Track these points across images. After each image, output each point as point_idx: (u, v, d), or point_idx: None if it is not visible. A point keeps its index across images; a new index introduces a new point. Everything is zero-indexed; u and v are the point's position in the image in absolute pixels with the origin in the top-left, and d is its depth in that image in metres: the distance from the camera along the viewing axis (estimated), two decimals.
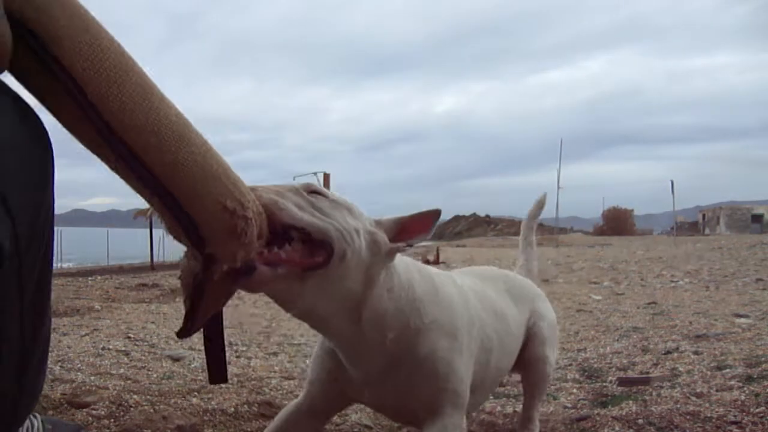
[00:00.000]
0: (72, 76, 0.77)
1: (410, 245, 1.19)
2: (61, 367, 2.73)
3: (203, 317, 1.01)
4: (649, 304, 5.20)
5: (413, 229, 1.21)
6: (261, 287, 1.02)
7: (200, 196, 0.88)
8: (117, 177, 0.90)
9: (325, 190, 1.15)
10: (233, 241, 0.92)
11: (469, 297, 1.42)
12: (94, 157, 0.89)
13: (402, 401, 1.27)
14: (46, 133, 0.85)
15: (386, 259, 1.17)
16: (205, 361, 1.20)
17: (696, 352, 2.99)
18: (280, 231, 1.02)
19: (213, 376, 1.20)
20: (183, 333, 1.01)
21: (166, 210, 0.88)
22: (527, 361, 1.69)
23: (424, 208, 1.24)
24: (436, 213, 1.21)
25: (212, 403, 2.17)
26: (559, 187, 24.29)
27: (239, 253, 0.93)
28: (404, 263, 1.27)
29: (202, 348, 1.20)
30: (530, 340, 1.69)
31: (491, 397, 2.34)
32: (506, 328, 1.54)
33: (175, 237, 0.93)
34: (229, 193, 0.91)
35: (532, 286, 1.84)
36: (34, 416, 1.18)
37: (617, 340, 3.52)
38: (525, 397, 1.78)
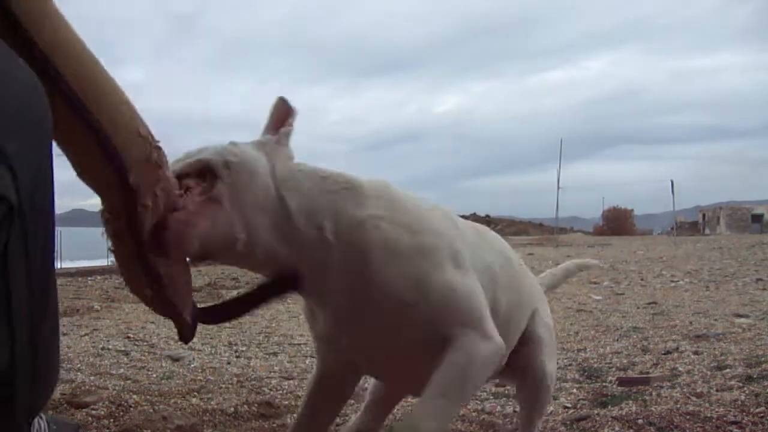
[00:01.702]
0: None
1: (289, 126, 1.19)
2: (60, 367, 2.73)
3: (183, 305, 0.99)
4: (649, 304, 5.20)
5: (280, 118, 1.21)
6: (190, 240, 0.97)
7: (119, 120, 0.88)
8: None
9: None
10: (151, 170, 0.91)
11: (456, 219, 1.29)
12: None
13: (392, 337, 1.13)
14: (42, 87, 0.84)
15: (283, 152, 1.16)
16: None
17: (696, 352, 2.99)
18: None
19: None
20: (186, 337, 1.00)
21: (92, 137, 0.86)
22: (524, 369, 1.52)
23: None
24: (283, 100, 1.22)
25: (212, 403, 2.17)
26: (559, 187, 24.29)
27: (158, 186, 0.92)
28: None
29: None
30: (528, 344, 1.52)
31: (491, 398, 2.33)
32: (518, 301, 1.38)
33: (93, 177, 0.91)
34: (141, 122, 0.92)
35: (532, 279, 1.69)
36: (41, 417, 1.16)
37: (617, 340, 3.52)
38: (521, 415, 1.60)
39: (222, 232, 1.01)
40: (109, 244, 0.98)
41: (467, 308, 1.12)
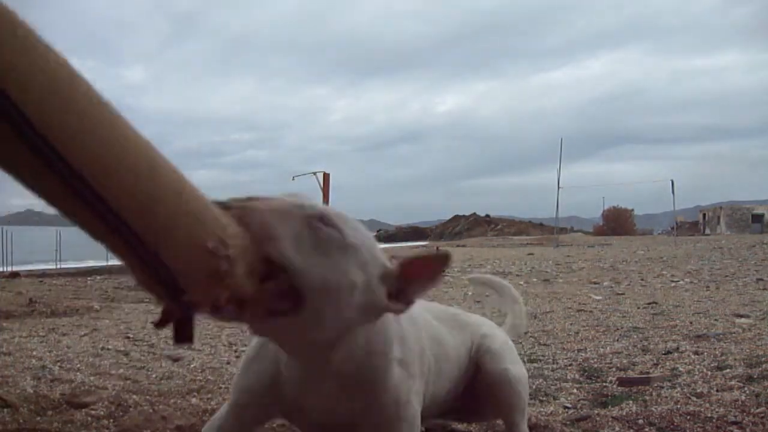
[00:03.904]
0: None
1: (410, 304, 1.04)
2: (60, 367, 2.73)
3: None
4: (649, 304, 5.19)
5: (417, 274, 1.03)
6: (222, 321, 0.96)
7: (176, 237, 0.74)
8: None
9: (342, 222, 0.98)
10: (215, 285, 0.79)
11: (419, 325, 1.37)
12: None
13: (350, 425, 1.20)
14: None
15: (373, 318, 1.05)
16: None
17: (696, 352, 2.99)
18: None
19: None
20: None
21: (135, 256, 0.73)
22: (487, 382, 1.59)
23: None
24: (445, 258, 1.02)
25: (212, 403, 2.17)
26: (559, 187, 24.26)
27: (223, 295, 0.80)
28: None
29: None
30: (482, 360, 1.60)
31: None
32: (444, 353, 1.48)
33: (147, 288, 0.79)
34: (210, 231, 0.77)
35: (469, 315, 1.76)
36: None
37: (617, 340, 3.52)
38: (505, 424, 1.65)
39: (251, 328, 1.03)
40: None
41: (416, 424, 1.24)
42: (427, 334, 1.42)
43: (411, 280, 1.02)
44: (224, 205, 0.85)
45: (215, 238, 0.77)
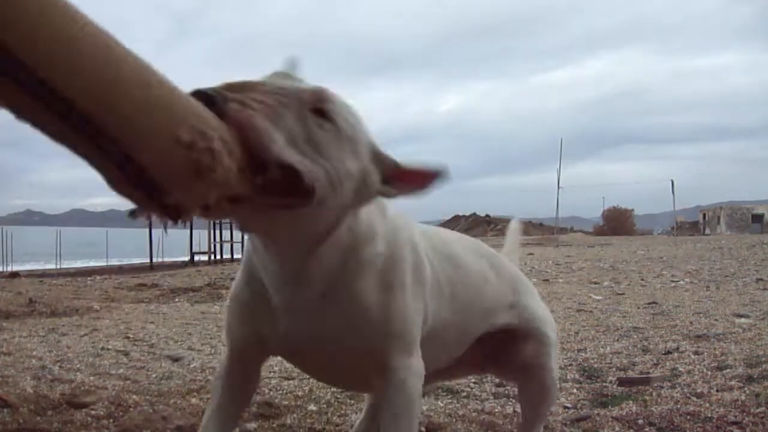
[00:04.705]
0: None
1: (398, 195, 1.07)
2: (60, 367, 2.73)
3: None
4: (649, 304, 5.19)
5: (410, 180, 1.06)
6: (220, 218, 0.90)
7: (147, 131, 0.68)
8: None
9: (337, 111, 0.96)
10: (199, 182, 0.72)
11: (416, 239, 1.30)
12: None
13: (337, 343, 1.15)
14: None
15: (368, 200, 1.06)
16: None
17: (696, 352, 2.99)
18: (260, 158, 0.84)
19: None
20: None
21: (107, 160, 0.68)
22: (526, 368, 1.53)
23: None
24: (440, 173, 1.05)
25: None
26: (559, 187, 24.28)
27: (211, 194, 0.75)
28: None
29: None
30: (529, 342, 1.52)
31: (491, 398, 2.33)
32: (465, 279, 1.39)
33: (129, 197, 0.73)
34: (183, 121, 0.71)
35: (513, 267, 1.65)
36: None
37: (617, 340, 3.52)
38: (523, 417, 1.61)
39: (245, 224, 0.97)
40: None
41: (408, 335, 1.18)
42: (439, 254, 1.35)
43: (404, 179, 1.06)
44: (209, 100, 0.79)
45: (191, 128, 0.71)
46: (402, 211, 1.27)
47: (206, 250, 17.99)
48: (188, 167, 0.71)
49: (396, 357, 1.16)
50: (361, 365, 1.20)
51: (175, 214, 0.74)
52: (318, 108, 0.93)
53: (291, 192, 0.88)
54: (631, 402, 2.18)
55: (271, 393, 2.35)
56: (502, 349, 1.55)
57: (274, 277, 1.11)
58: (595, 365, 2.86)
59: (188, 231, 17.51)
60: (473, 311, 1.43)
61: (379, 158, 1.04)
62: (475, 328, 1.47)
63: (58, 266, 18.16)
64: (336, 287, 1.11)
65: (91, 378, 2.50)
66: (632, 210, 52.17)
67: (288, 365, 2.96)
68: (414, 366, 1.18)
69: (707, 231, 46.37)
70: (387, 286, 1.15)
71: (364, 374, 1.22)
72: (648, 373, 2.64)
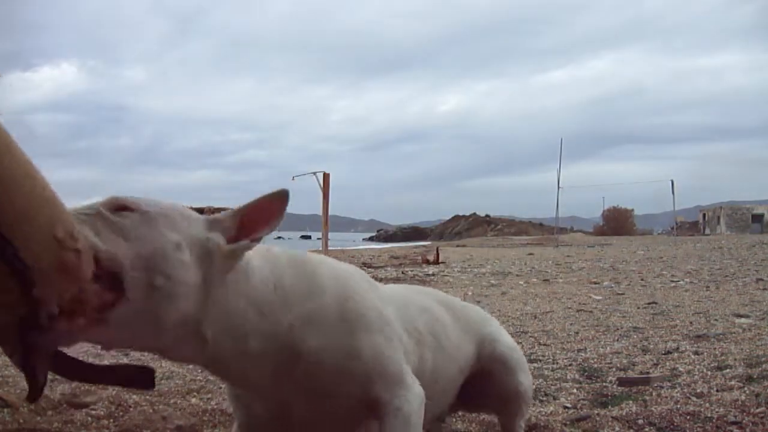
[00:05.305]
0: None
1: (256, 241, 1.00)
2: None
3: (42, 368, 0.86)
4: (649, 304, 5.19)
5: (258, 218, 1.01)
6: (66, 345, 0.87)
7: (28, 221, 0.72)
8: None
9: (135, 201, 0.95)
10: (65, 278, 0.76)
11: (381, 288, 1.30)
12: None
13: (327, 398, 1.13)
14: None
15: (226, 266, 0.99)
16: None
17: (696, 352, 2.99)
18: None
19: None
20: (34, 396, 0.87)
21: None
22: (502, 395, 1.58)
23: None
24: (283, 193, 1.01)
25: (212, 403, 2.17)
26: (559, 187, 24.27)
27: (70, 292, 0.78)
28: (265, 256, 1.10)
29: None
30: (494, 367, 1.57)
31: None
32: (444, 331, 1.42)
33: None
34: (59, 220, 0.76)
35: (479, 309, 1.72)
36: None
37: (617, 340, 3.52)
38: (504, 424, 1.64)
39: (100, 341, 0.93)
40: None
41: (392, 369, 1.16)
42: (416, 306, 1.38)
43: (253, 221, 1.01)
44: None
45: (63, 228, 0.76)
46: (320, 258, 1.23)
47: None
48: (58, 264, 0.75)
49: (385, 392, 1.14)
50: (358, 411, 1.17)
51: (35, 305, 0.75)
52: (118, 207, 0.92)
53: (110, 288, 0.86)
54: (631, 402, 2.18)
55: None
56: (472, 385, 1.58)
57: (228, 383, 1.16)
58: (595, 365, 2.86)
59: None
60: (452, 358, 1.46)
61: (215, 223, 1.00)
62: (453, 382, 1.50)
63: None
64: (283, 361, 1.07)
65: None
66: (632, 210, 52.20)
67: None
68: (408, 394, 1.15)
69: (707, 231, 46.37)
70: (345, 331, 1.13)
71: (364, 418, 1.20)
72: (648, 373, 2.64)
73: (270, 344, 1.06)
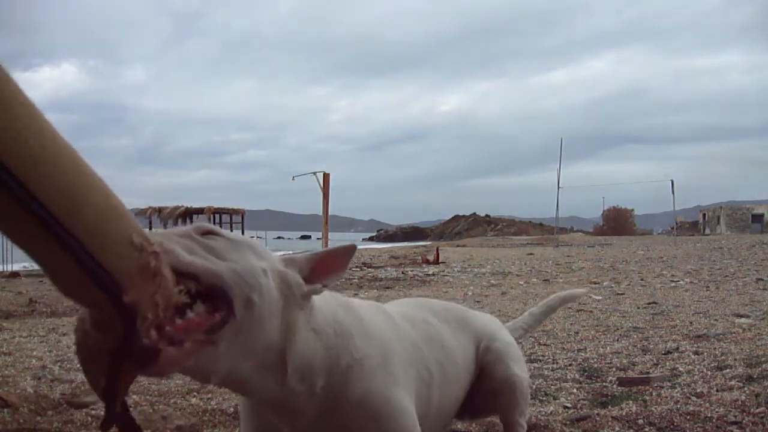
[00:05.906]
0: None
1: (326, 286, 1.10)
2: (60, 367, 2.73)
3: (121, 397, 0.89)
4: (649, 304, 5.20)
5: (328, 267, 1.11)
6: (171, 370, 0.89)
7: (105, 230, 0.75)
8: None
9: (222, 230, 1.04)
10: (148, 282, 0.79)
11: (400, 325, 1.34)
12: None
13: None
14: None
15: (303, 302, 1.08)
16: None
17: (696, 352, 2.99)
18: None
19: None
20: (108, 424, 0.89)
21: (69, 257, 0.72)
22: (493, 386, 1.60)
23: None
24: (351, 249, 1.13)
25: (212, 403, 2.17)
26: (559, 187, 24.26)
27: (157, 298, 0.80)
28: (324, 298, 1.17)
29: None
30: (490, 363, 1.60)
31: None
32: (449, 358, 1.45)
33: (79, 292, 0.77)
34: (133, 227, 0.79)
35: (475, 313, 1.75)
36: None
37: (617, 340, 3.52)
38: (505, 423, 1.64)
39: (203, 369, 0.96)
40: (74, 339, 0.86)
41: (411, 426, 1.20)
42: (425, 336, 1.40)
43: (323, 268, 1.11)
44: None
45: (139, 234, 0.80)
46: (367, 302, 1.30)
47: None
48: (140, 267, 0.78)
49: None
50: None
51: (130, 313, 0.77)
52: (205, 232, 0.99)
53: (213, 310, 0.91)
54: (631, 402, 2.18)
55: None
56: (472, 388, 1.60)
57: (269, 413, 1.15)
58: (595, 365, 2.86)
59: None
60: (456, 382, 1.49)
61: (292, 262, 1.09)
62: (457, 398, 1.53)
63: None
64: (332, 403, 1.12)
65: None
66: (632, 210, 52.22)
67: None
68: None
69: (707, 231, 46.37)
70: (381, 384, 1.17)
71: None
72: (648, 373, 2.64)
73: (327, 383, 1.11)
